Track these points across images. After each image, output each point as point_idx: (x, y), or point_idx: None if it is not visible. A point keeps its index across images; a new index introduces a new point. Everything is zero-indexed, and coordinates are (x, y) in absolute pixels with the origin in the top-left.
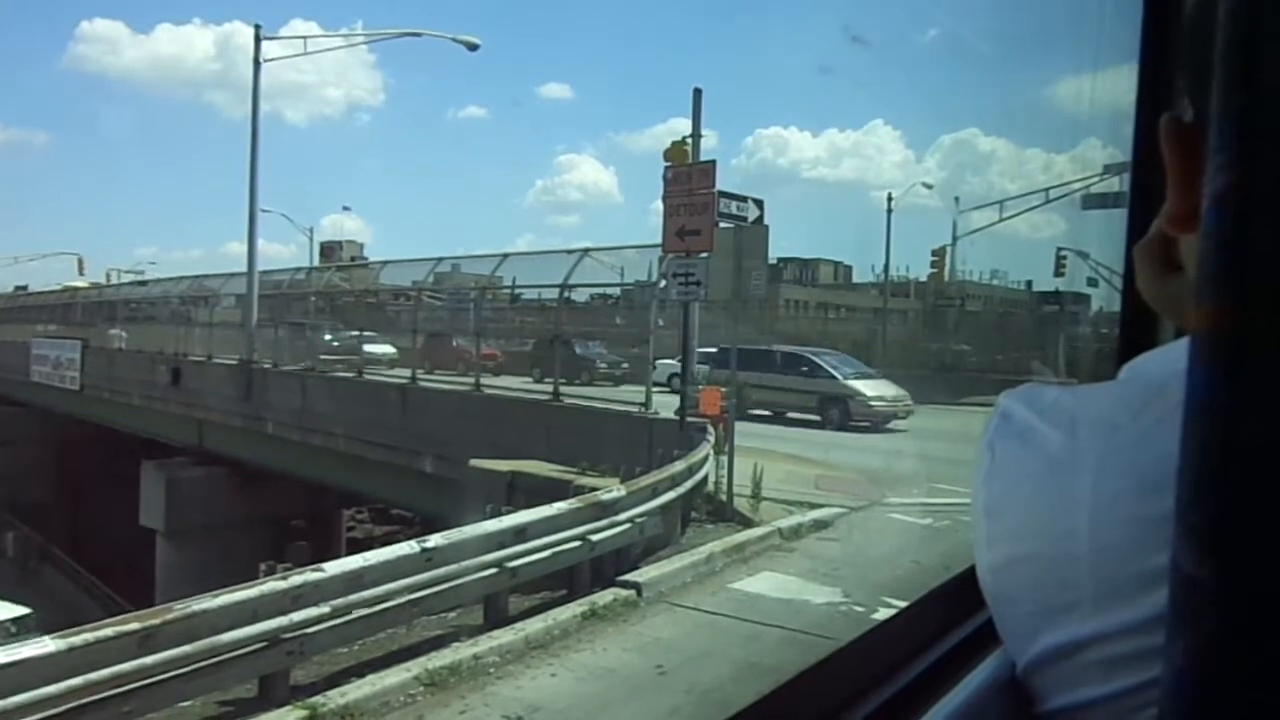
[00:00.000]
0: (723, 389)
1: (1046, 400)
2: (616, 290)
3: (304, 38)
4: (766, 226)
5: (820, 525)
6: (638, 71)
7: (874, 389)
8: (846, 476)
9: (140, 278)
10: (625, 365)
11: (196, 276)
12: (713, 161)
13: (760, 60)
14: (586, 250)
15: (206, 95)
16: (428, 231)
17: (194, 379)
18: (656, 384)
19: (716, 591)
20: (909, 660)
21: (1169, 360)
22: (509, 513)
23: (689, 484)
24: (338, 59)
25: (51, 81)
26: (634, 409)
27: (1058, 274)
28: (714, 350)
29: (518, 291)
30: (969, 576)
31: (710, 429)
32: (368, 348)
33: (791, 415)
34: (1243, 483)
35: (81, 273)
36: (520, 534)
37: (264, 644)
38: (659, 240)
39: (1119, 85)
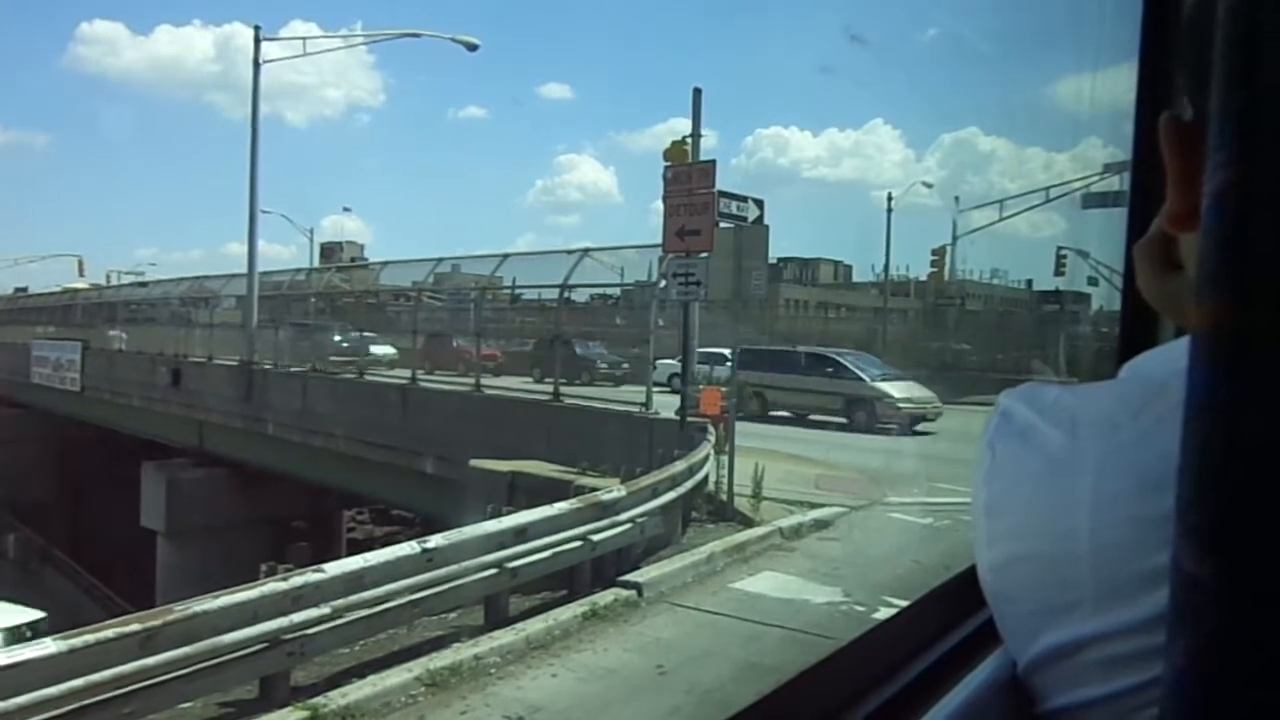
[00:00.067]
0: (724, 389)
1: (1047, 399)
2: (616, 290)
3: (304, 39)
4: (766, 226)
5: (821, 525)
6: (638, 71)
7: (901, 391)
8: (847, 476)
9: (140, 279)
10: (625, 365)
11: (197, 278)
12: (713, 161)
13: (760, 60)
14: (587, 250)
15: (206, 96)
16: (428, 232)
17: (194, 380)
18: (657, 384)
19: (717, 591)
20: (910, 660)
21: (1169, 359)
22: (509, 513)
23: (689, 484)
24: (337, 60)
25: (51, 83)
26: (634, 409)
27: (1058, 273)
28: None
29: (518, 292)
30: (969, 576)
31: (711, 429)
32: (370, 349)
33: (815, 417)
34: (1244, 481)
35: (82, 274)
36: (521, 534)
37: (265, 645)
38: (659, 240)
39: (1119, 84)
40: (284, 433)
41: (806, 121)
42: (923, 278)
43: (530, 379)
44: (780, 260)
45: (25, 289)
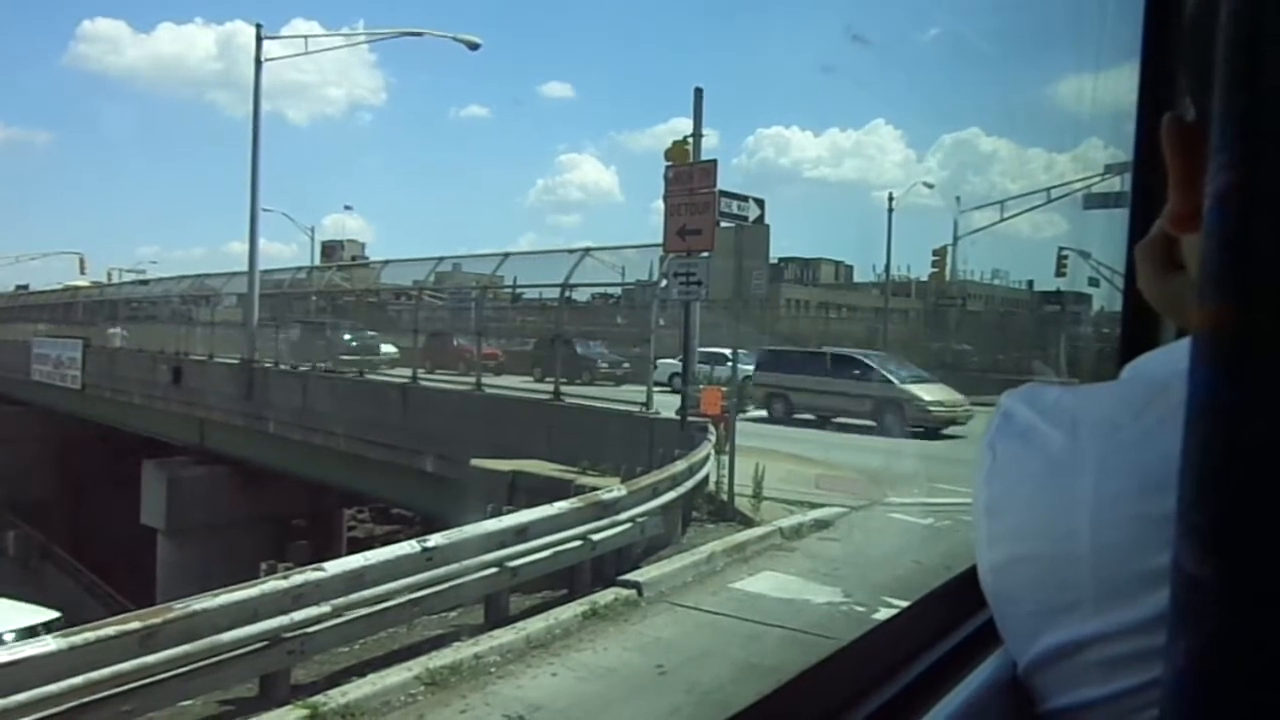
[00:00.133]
0: (724, 389)
1: (1048, 400)
2: (617, 290)
3: (305, 37)
4: (767, 226)
5: (821, 525)
6: (639, 71)
7: (932, 393)
8: (847, 476)
9: (142, 277)
10: (626, 365)
11: (198, 276)
12: (714, 161)
13: (761, 60)
14: (588, 250)
15: (208, 94)
16: (429, 231)
17: (195, 378)
18: (657, 383)
19: (717, 591)
20: (910, 660)
21: (1171, 360)
22: (510, 512)
23: (690, 483)
24: (339, 58)
25: (53, 81)
26: (635, 409)
27: (1059, 274)
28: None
29: (519, 291)
30: (970, 576)
31: (711, 428)
32: (381, 348)
33: (840, 420)
34: (1245, 482)
35: (83, 272)
36: (521, 533)
37: (265, 643)
38: (660, 240)
39: (1120, 85)
40: (285, 431)
41: (808, 121)
42: (924, 278)
43: (531, 378)
44: (781, 260)
45: (26, 286)
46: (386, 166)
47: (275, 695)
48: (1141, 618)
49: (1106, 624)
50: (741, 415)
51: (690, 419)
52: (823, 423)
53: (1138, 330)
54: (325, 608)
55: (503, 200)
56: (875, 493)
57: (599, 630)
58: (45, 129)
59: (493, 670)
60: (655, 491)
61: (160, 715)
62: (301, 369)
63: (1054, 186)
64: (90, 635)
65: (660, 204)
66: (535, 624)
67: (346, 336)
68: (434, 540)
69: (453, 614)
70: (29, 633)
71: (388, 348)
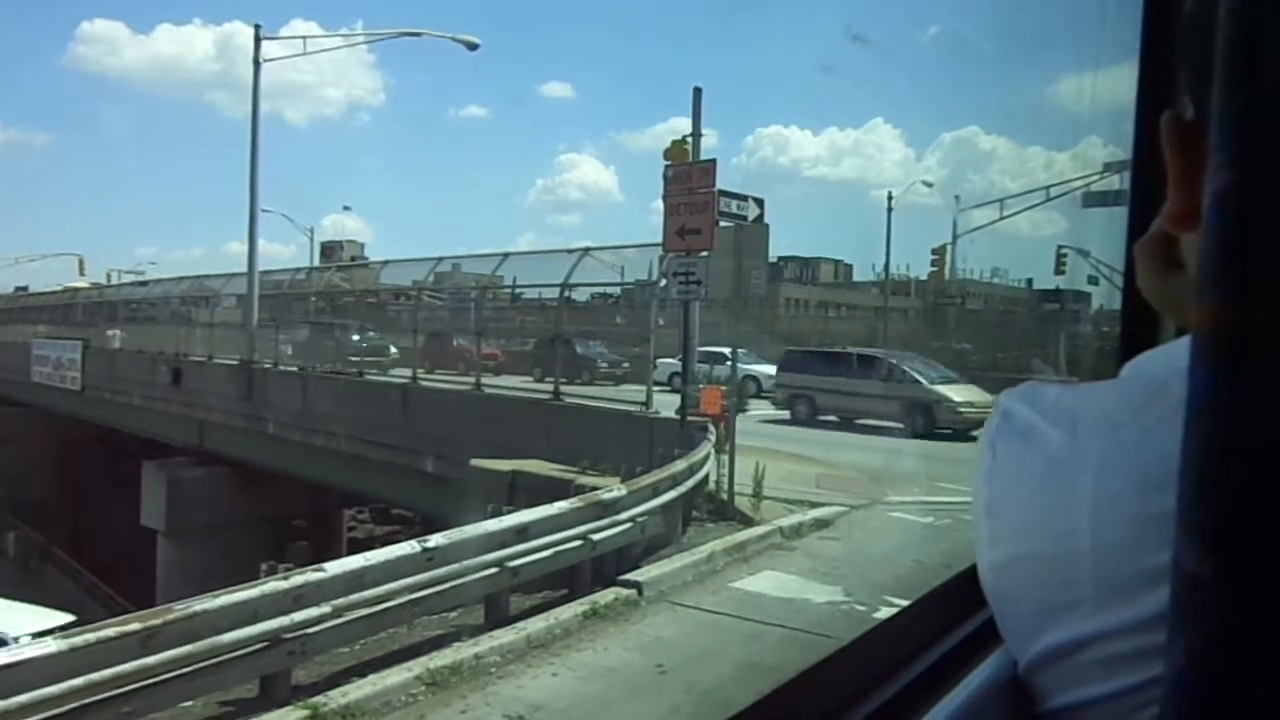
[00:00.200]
0: (724, 388)
1: (1048, 399)
2: (617, 289)
3: (304, 38)
4: (767, 225)
5: (821, 524)
6: (638, 71)
7: (962, 394)
8: (847, 475)
9: (141, 278)
10: (626, 364)
11: (197, 277)
12: (713, 160)
13: (760, 59)
14: (587, 249)
15: (207, 95)
16: (428, 231)
17: (195, 379)
18: (657, 383)
19: (717, 590)
20: (910, 659)
21: (1170, 359)
22: (510, 512)
23: (690, 483)
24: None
25: (52, 82)
26: (635, 408)
27: (1058, 272)
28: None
29: (518, 291)
30: (970, 575)
31: (711, 428)
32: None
33: (864, 422)
34: (1244, 481)
35: (82, 273)
36: (521, 533)
37: (265, 644)
38: (659, 239)
39: (1120, 83)
40: (284, 432)
41: (807, 120)
42: (923, 277)
43: (531, 378)
44: (781, 259)
45: (26, 288)
46: (385, 167)
47: (276, 696)
48: (1142, 616)
49: (1107, 623)
50: (741, 414)
51: (690, 418)
52: (848, 425)
53: (1137, 329)
54: (325, 608)
55: (502, 200)
56: (875, 492)
57: (599, 630)
58: (44, 130)
59: (493, 670)
60: (655, 491)
61: (161, 716)
62: (302, 369)
63: (1053, 185)
64: (91, 636)
65: (660, 203)
66: (536, 624)
67: (355, 338)
68: (434, 540)
69: (453, 614)
70: (45, 636)
71: (392, 349)
